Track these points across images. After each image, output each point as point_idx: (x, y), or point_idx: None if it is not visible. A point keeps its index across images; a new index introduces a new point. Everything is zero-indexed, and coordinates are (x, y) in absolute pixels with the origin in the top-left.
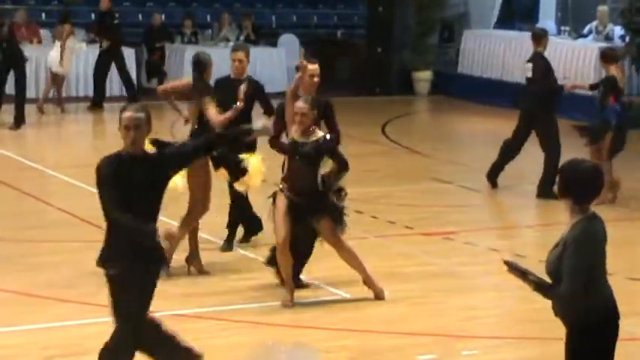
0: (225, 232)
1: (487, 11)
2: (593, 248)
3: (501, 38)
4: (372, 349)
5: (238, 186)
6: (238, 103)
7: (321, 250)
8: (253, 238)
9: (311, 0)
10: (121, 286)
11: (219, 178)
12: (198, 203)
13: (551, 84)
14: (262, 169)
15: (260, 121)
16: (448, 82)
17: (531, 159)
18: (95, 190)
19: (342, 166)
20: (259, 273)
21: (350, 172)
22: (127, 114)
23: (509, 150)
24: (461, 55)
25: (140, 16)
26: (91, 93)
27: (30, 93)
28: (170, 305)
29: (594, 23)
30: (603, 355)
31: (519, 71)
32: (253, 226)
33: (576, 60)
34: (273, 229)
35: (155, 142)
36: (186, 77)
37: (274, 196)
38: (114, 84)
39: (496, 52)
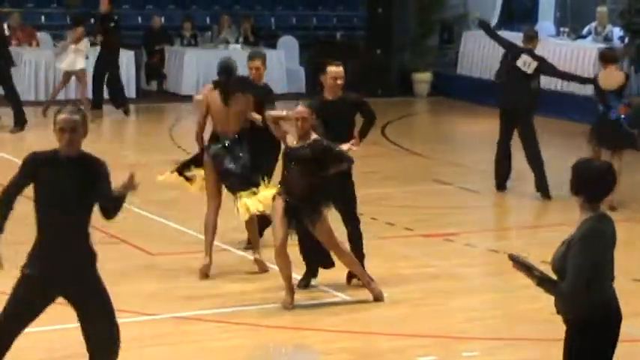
0: (226, 236)
1: (487, 12)
2: (599, 246)
3: None
4: (372, 351)
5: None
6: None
7: None
8: None
9: (310, 2)
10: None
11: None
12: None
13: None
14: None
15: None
16: (448, 84)
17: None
18: None
19: (371, 119)
20: (259, 275)
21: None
22: (62, 116)
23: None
24: (460, 57)
25: (139, 19)
26: (90, 94)
27: (29, 96)
28: (171, 308)
29: (593, 24)
30: (602, 355)
31: None
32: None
33: (575, 61)
34: (272, 232)
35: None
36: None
37: (273, 199)
38: None
39: (496, 53)
